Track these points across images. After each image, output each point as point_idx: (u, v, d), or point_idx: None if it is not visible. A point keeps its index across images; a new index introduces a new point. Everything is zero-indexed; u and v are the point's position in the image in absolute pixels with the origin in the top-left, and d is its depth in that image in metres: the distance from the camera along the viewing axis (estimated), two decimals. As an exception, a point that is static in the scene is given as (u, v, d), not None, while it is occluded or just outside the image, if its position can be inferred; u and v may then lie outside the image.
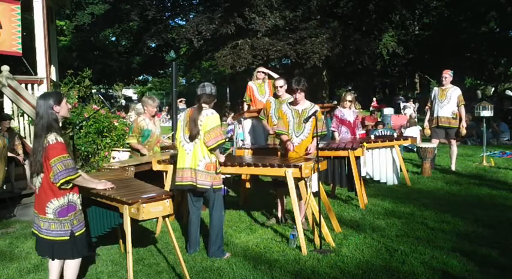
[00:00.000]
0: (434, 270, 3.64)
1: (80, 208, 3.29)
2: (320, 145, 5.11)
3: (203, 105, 4.09)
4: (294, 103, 4.78)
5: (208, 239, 4.17)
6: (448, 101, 7.53)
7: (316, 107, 4.73)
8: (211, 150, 4.05)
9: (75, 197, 3.25)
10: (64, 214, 3.16)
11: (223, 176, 5.41)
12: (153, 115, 5.73)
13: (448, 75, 7.64)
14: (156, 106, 5.71)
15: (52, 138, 3.09)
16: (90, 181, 3.42)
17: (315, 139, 4.62)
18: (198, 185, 4.04)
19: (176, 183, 4.17)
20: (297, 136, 4.72)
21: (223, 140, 4.15)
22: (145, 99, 5.83)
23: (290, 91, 4.77)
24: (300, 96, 4.67)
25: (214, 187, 4.09)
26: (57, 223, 3.16)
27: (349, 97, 6.61)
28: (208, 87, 4.16)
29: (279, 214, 5.12)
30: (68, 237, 3.18)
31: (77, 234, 3.21)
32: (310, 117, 4.50)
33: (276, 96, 5.89)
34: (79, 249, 3.25)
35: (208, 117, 4.03)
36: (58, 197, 3.15)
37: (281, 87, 5.72)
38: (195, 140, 4.04)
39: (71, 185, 3.17)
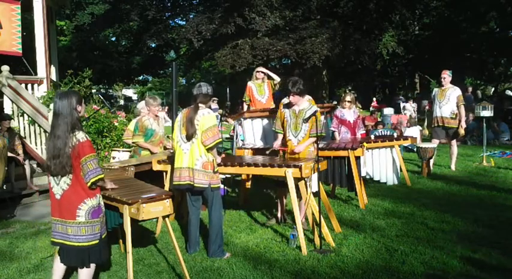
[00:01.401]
0: (434, 270, 3.65)
1: (104, 210, 3.25)
2: (320, 145, 5.11)
3: (200, 104, 4.10)
4: (290, 104, 4.82)
5: (208, 238, 4.17)
6: (447, 101, 7.53)
7: (315, 108, 4.74)
8: (209, 149, 4.05)
9: (101, 199, 3.21)
10: (96, 215, 3.10)
11: (223, 176, 5.43)
12: (157, 114, 5.77)
13: (446, 75, 7.64)
14: (158, 104, 5.74)
15: (82, 135, 3.04)
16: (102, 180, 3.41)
17: (310, 139, 4.66)
18: (195, 184, 4.04)
19: (174, 183, 4.18)
20: (295, 137, 4.75)
21: (221, 139, 4.17)
22: (147, 99, 5.89)
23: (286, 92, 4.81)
24: (294, 98, 4.68)
25: (212, 186, 4.09)
26: (88, 226, 3.06)
27: (348, 97, 6.61)
28: (204, 86, 4.17)
29: (279, 214, 5.12)
30: (98, 241, 3.11)
31: (103, 237, 3.18)
32: (310, 117, 4.51)
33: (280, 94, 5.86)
34: (105, 252, 3.21)
35: (205, 116, 4.03)
36: (91, 197, 3.08)
37: None
38: (192, 139, 4.04)
39: (96, 185, 3.12)
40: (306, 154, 4.69)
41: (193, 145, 4.05)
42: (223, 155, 4.62)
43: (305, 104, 4.78)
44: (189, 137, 4.04)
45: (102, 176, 3.09)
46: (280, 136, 4.89)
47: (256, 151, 5.93)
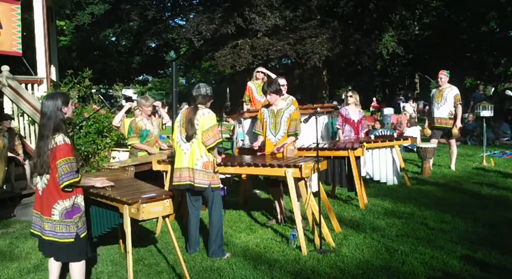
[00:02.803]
0: (434, 270, 3.64)
1: (84, 210, 3.27)
2: (321, 145, 5.11)
3: (199, 105, 4.10)
4: (269, 105, 4.89)
5: (208, 238, 4.17)
6: (445, 102, 7.51)
7: (292, 107, 4.84)
8: (210, 149, 4.06)
9: (80, 199, 3.23)
10: (70, 216, 3.15)
11: (223, 176, 5.43)
12: (150, 114, 5.75)
13: (443, 75, 7.62)
14: (150, 105, 5.71)
15: (60, 138, 3.07)
16: (88, 179, 3.43)
17: (290, 138, 4.74)
18: (196, 185, 4.05)
19: (174, 183, 4.17)
20: (274, 136, 4.81)
21: (221, 139, 4.18)
22: (139, 99, 5.87)
23: (264, 92, 4.93)
24: (271, 97, 4.77)
25: (212, 186, 4.09)
26: (62, 224, 3.13)
27: (350, 92, 6.74)
28: (203, 87, 4.18)
29: (279, 215, 5.12)
30: (73, 240, 3.15)
31: (81, 236, 3.20)
32: (310, 117, 4.54)
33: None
34: (84, 251, 3.24)
35: (205, 116, 4.04)
36: (64, 198, 3.12)
37: (283, 85, 5.71)
38: (192, 140, 4.05)
39: (72, 187, 3.15)
40: (285, 153, 4.75)
41: (193, 146, 4.05)
42: (223, 155, 4.62)
43: (283, 104, 4.87)
44: (189, 138, 4.05)
45: (76, 179, 3.11)
46: (261, 138, 4.96)
47: (242, 151, 5.97)
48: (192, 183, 4.05)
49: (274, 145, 4.79)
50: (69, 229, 3.15)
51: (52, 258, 3.29)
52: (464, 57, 22.98)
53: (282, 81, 5.74)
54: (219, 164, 4.25)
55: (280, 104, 4.84)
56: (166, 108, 6.54)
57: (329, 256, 3.98)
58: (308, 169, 4.19)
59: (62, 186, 3.07)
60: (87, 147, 6.92)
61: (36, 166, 3.15)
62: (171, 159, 4.72)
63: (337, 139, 6.83)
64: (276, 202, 5.12)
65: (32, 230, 3.29)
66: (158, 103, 6.30)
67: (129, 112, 6.06)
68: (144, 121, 5.64)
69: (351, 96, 6.61)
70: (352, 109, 6.60)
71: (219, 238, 4.12)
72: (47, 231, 3.15)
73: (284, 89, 5.74)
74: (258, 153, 4.97)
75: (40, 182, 3.19)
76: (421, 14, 23.32)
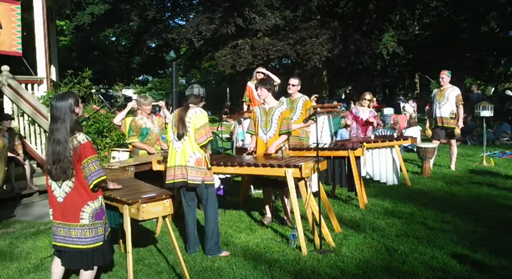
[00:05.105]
0: (434, 270, 3.64)
1: (105, 211, 3.23)
2: (321, 145, 5.12)
3: (190, 105, 4.13)
4: (263, 103, 4.96)
5: (204, 236, 4.17)
6: (446, 101, 7.52)
7: (284, 106, 4.91)
8: (202, 147, 4.09)
9: (103, 201, 3.18)
10: (99, 217, 3.08)
11: (223, 176, 5.43)
12: (149, 113, 5.76)
13: (445, 75, 7.64)
14: (149, 103, 5.72)
15: (82, 137, 3.00)
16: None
17: (282, 137, 4.77)
18: (189, 181, 4.05)
19: (167, 181, 4.16)
20: (265, 134, 4.85)
21: (212, 138, 4.25)
22: (138, 98, 5.89)
23: (255, 88, 5.09)
24: (261, 92, 4.83)
25: (205, 182, 4.10)
26: (92, 228, 3.04)
27: (367, 96, 6.89)
28: (196, 88, 4.24)
29: (269, 214, 5.13)
30: (102, 243, 3.09)
31: (106, 236, 3.16)
32: (310, 117, 4.55)
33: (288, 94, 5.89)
34: (109, 254, 3.20)
35: (197, 115, 4.07)
36: (94, 199, 3.06)
37: (294, 85, 5.70)
38: (184, 137, 4.07)
39: (99, 187, 3.09)
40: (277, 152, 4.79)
41: (185, 143, 4.07)
42: (209, 151, 4.61)
43: (274, 102, 4.90)
44: (180, 136, 4.08)
45: (105, 177, 3.08)
46: (254, 138, 5.01)
47: (238, 151, 6.00)
48: (185, 180, 4.06)
49: (265, 143, 4.84)
50: (98, 231, 3.07)
51: (56, 263, 3.22)
52: (464, 57, 22.98)
53: (294, 81, 5.71)
54: (218, 164, 4.25)
55: (272, 102, 4.89)
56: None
57: (329, 256, 3.98)
58: (308, 169, 4.19)
59: (92, 185, 2.99)
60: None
61: (55, 172, 2.97)
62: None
63: (338, 138, 6.88)
64: (269, 202, 5.16)
65: (54, 243, 3.14)
66: (162, 103, 6.31)
67: (131, 113, 6.06)
68: (144, 119, 5.66)
69: (368, 100, 6.86)
70: (363, 109, 6.86)
71: (215, 235, 4.12)
72: (75, 239, 3.03)
73: (295, 88, 5.72)
74: (254, 154, 4.94)
75: (59, 190, 3.04)
76: (421, 14, 23.32)
